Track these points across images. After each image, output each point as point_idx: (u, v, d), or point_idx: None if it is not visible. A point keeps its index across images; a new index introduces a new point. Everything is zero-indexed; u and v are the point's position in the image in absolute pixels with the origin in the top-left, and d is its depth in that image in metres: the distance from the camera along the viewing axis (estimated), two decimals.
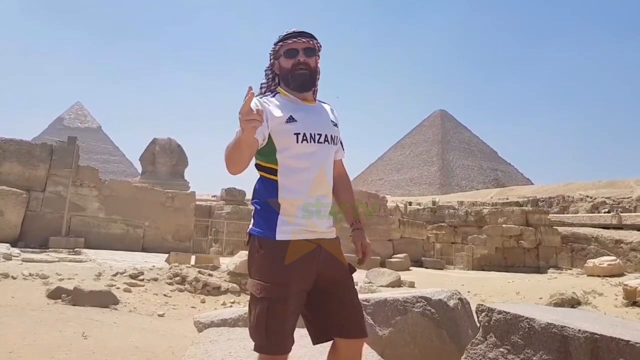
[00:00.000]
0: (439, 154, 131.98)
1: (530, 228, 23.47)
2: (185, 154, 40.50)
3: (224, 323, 3.79)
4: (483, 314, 2.89)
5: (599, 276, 14.04)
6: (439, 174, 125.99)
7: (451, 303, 3.70)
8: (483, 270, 21.57)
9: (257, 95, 2.00)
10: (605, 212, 29.81)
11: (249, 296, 1.89)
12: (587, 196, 41.39)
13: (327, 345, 1.92)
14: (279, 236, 1.84)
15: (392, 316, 3.60)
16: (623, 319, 6.00)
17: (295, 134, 1.89)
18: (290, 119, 1.90)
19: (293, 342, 1.85)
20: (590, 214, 31.77)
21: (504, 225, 23.70)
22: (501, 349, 2.74)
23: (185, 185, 34.31)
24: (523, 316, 2.70)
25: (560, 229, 24.57)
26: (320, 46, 2.05)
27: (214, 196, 31.24)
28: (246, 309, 4.74)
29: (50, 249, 13.66)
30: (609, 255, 18.76)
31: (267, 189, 1.91)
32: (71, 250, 13.82)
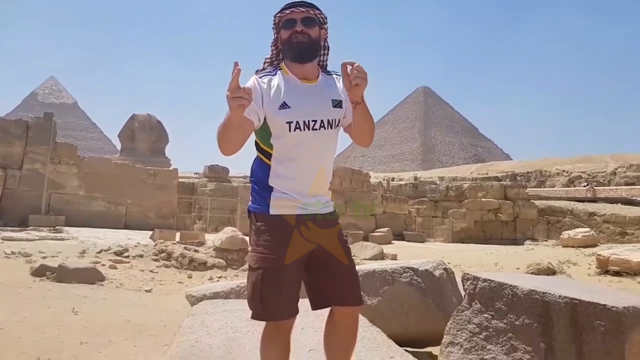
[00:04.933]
0: (421, 131, 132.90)
1: (509, 202, 24.06)
2: (166, 131, 39.81)
3: (216, 296, 3.84)
4: (469, 282, 3.01)
5: (573, 247, 14.60)
6: (420, 150, 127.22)
7: (437, 273, 3.83)
8: (462, 242, 22.14)
9: (259, 70, 1.98)
10: (584, 187, 30.63)
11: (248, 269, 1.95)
12: (564, 171, 42.48)
13: (326, 313, 1.99)
14: (272, 211, 1.89)
15: (380, 286, 3.71)
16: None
17: (287, 122, 1.84)
18: (284, 105, 1.84)
19: (296, 311, 1.90)
20: (566, 188, 32.66)
21: (483, 200, 24.23)
22: (485, 315, 2.87)
23: (166, 163, 33.85)
24: (507, 284, 2.81)
25: (537, 202, 25.24)
26: (324, 17, 1.96)
27: (197, 173, 30.96)
28: (237, 282, 4.79)
29: (30, 227, 13.44)
30: (583, 227, 19.44)
31: (261, 170, 1.94)
32: (52, 228, 13.62)
